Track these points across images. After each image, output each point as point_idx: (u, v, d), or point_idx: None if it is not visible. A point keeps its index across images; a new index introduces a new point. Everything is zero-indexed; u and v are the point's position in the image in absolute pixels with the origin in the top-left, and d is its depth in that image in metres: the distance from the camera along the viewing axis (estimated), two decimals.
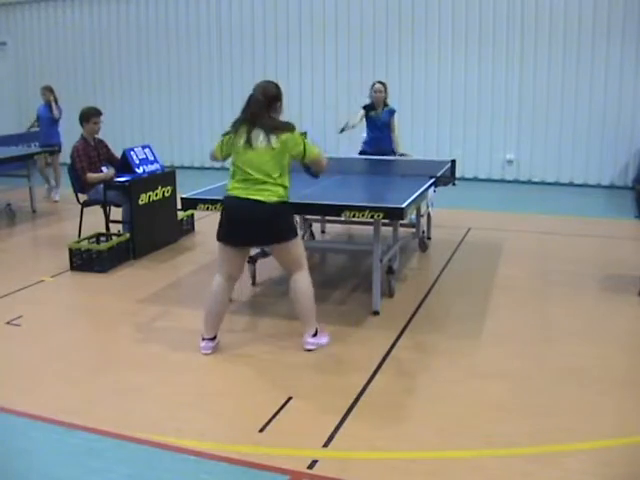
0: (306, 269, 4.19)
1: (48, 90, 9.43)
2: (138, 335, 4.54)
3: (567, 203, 8.86)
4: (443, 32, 10.16)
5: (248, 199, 3.96)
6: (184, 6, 11.73)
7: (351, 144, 7.18)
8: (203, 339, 4.20)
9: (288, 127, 4.02)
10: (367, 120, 7.22)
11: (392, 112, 7.17)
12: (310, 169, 4.38)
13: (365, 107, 7.23)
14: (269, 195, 3.95)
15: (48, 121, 9.34)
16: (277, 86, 4.12)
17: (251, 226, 4.00)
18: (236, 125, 4.06)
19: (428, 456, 3.09)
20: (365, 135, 7.37)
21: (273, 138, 3.95)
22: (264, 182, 3.96)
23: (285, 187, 4.05)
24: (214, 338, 4.21)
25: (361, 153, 7.32)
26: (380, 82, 7.24)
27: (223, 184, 5.56)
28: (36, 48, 13.03)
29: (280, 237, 4.07)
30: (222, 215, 4.14)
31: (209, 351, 4.18)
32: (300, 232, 4.17)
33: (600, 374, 3.89)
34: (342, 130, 7.18)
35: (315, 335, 4.22)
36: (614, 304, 5.04)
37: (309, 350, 4.18)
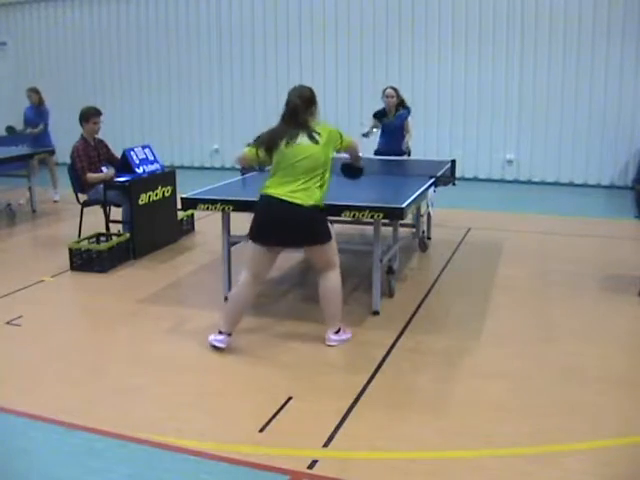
0: (338, 268, 4.24)
1: (34, 92, 9.29)
2: (138, 335, 4.54)
3: (567, 203, 8.86)
4: (443, 32, 10.16)
5: (284, 201, 3.98)
6: (184, 6, 11.74)
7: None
8: (220, 333, 4.19)
9: (325, 124, 4.18)
10: (382, 125, 7.26)
11: (404, 116, 7.15)
12: (349, 169, 4.55)
13: (376, 114, 7.24)
14: (306, 198, 3.98)
15: (36, 123, 9.25)
16: (311, 90, 4.20)
17: (286, 228, 4.04)
18: (278, 132, 4.09)
19: (428, 456, 3.09)
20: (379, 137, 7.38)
21: (316, 135, 4.04)
22: (304, 183, 4.00)
23: (323, 188, 4.09)
24: (231, 334, 4.22)
25: (376, 153, 7.34)
26: (392, 87, 7.22)
27: (223, 184, 5.58)
28: (36, 48, 13.04)
29: (314, 240, 4.12)
30: (256, 214, 4.15)
31: (224, 345, 4.17)
32: (330, 232, 4.22)
33: (600, 374, 3.89)
34: (366, 134, 7.15)
35: (337, 332, 4.28)
36: (614, 304, 5.04)
37: (330, 346, 4.24)
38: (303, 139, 4.02)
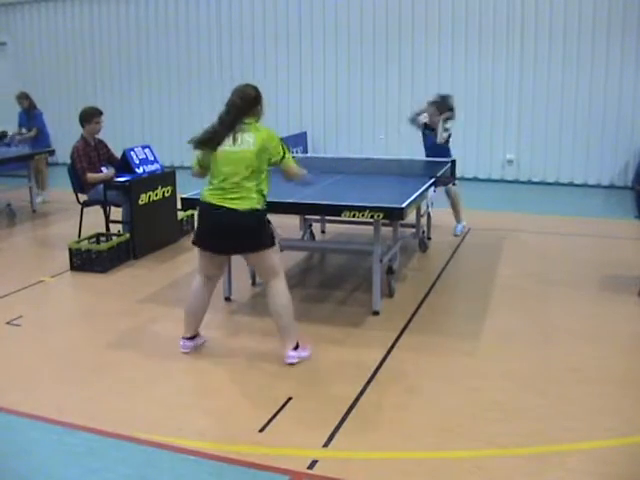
0: (282, 277, 4.05)
1: (24, 97, 9.31)
2: (138, 335, 4.54)
3: (567, 203, 8.85)
4: (443, 32, 10.15)
5: (222, 207, 3.84)
6: (184, 6, 11.73)
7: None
8: (182, 338, 4.20)
9: (266, 128, 3.96)
10: (422, 135, 7.04)
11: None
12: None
13: (425, 124, 6.99)
14: (241, 203, 3.83)
15: (30, 128, 9.26)
16: (256, 89, 4.01)
17: (224, 234, 3.91)
18: (214, 134, 3.92)
19: (428, 456, 3.09)
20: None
21: (251, 138, 3.83)
22: (239, 189, 3.84)
23: (262, 194, 3.93)
24: (193, 337, 4.22)
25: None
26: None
27: None
28: (36, 48, 13.02)
29: (254, 246, 3.95)
30: (197, 221, 4.08)
31: (188, 350, 4.18)
32: (273, 237, 4.02)
33: (600, 374, 3.89)
34: (413, 121, 6.96)
35: (296, 348, 4.06)
36: (614, 304, 5.04)
37: (291, 364, 4.00)
38: (238, 145, 3.83)
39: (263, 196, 3.94)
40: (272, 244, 3.98)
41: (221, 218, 3.88)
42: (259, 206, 3.90)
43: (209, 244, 4.01)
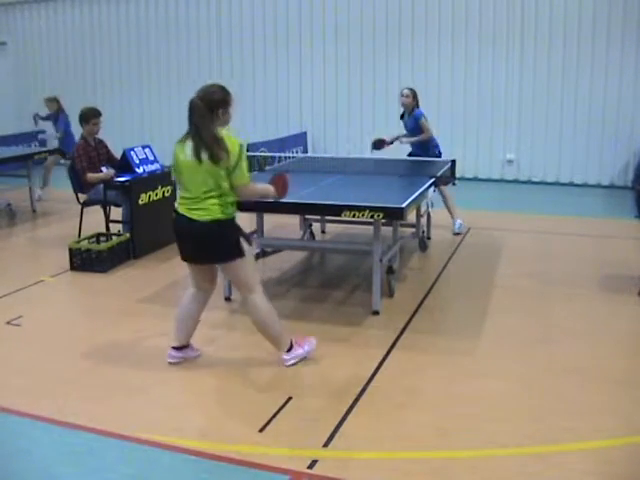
0: (258, 291, 3.90)
1: (50, 101, 9.52)
2: (138, 335, 4.54)
3: (567, 203, 8.86)
4: (443, 32, 10.16)
5: (184, 216, 3.76)
6: (184, 6, 11.74)
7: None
8: (170, 347, 4.08)
9: (232, 144, 3.64)
10: (403, 122, 7.21)
11: (416, 118, 6.99)
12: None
13: (402, 115, 7.20)
14: (202, 214, 3.69)
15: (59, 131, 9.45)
16: (222, 89, 3.71)
17: (189, 244, 3.84)
18: (182, 139, 3.79)
19: (428, 456, 3.09)
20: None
21: (209, 151, 3.61)
22: (199, 199, 3.70)
23: (224, 205, 3.72)
24: (181, 348, 4.08)
25: (409, 155, 7.31)
26: (408, 88, 7.12)
27: None
28: (36, 48, 13.04)
29: (219, 257, 3.82)
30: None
31: (174, 360, 4.05)
32: (240, 248, 3.82)
33: (600, 374, 3.89)
34: (376, 146, 7.13)
35: (290, 349, 4.01)
36: (614, 304, 5.04)
37: (290, 365, 3.97)
38: (197, 156, 3.62)
39: (228, 206, 3.75)
40: (239, 255, 3.78)
41: (185, 228, 3.81)
42: (221, 216, 3.71)
43: (183, 254, 3.95)
